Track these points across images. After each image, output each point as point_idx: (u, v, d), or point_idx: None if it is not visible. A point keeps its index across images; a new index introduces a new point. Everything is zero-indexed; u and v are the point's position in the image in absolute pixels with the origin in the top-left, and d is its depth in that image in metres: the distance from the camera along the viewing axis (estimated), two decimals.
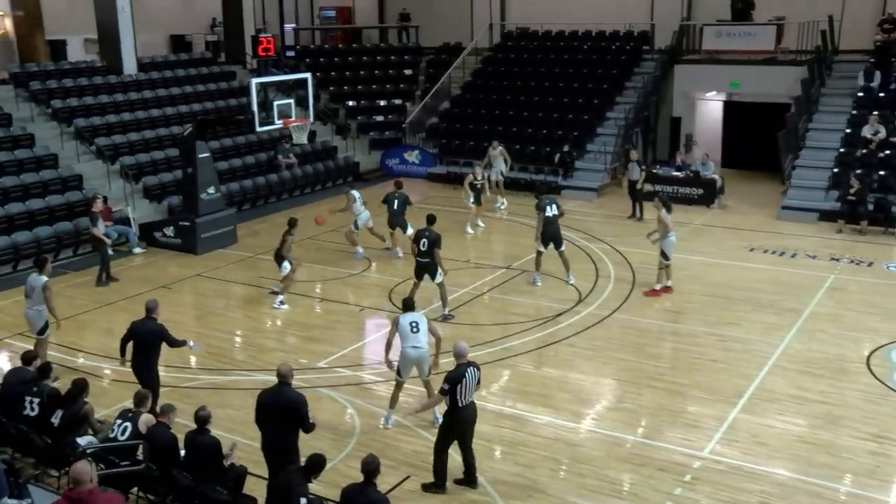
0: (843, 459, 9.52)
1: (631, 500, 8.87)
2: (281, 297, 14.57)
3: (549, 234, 15.18)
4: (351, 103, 28.57)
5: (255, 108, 17.02)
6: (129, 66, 23.51)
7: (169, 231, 18.23)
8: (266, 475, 8.33)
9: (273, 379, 8.53)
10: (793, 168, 21.30)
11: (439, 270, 13.67)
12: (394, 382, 10.42)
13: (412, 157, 26.11)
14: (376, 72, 30.30)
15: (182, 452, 8.18)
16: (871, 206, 18.99)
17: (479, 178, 19.36)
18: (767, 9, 25.06)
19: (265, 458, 8.36)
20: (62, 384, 9.82)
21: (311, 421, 8.27)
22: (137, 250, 18.01)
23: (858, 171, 19.51)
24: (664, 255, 14.79)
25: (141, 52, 24.11)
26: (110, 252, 16.38)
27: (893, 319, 13.55)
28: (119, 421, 8.55)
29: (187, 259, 17.54)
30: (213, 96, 24.72)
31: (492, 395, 11.16)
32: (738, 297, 14.71)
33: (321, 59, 30.49)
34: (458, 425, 8.83)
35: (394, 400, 10.39)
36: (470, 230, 19.26)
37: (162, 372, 10.50)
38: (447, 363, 9.81)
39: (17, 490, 8.06)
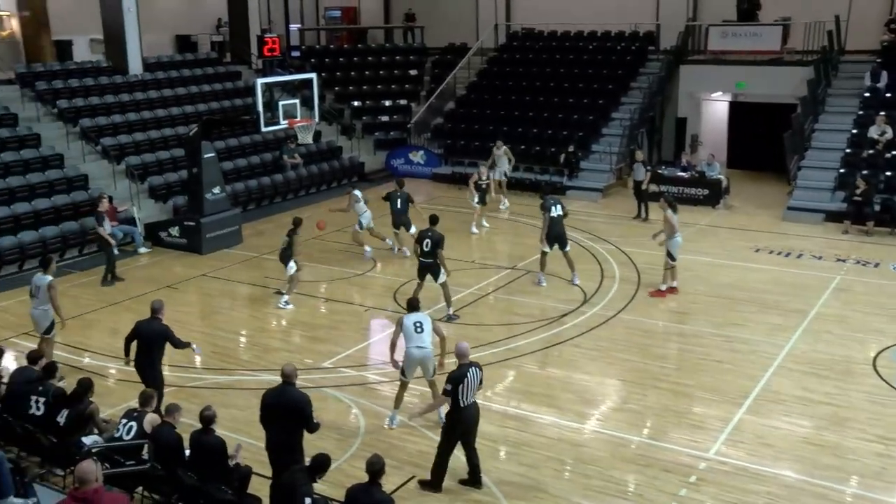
0: (849, 461, 9.49)
1: (636, 501, 8.85)
2: (286, 297, 14.58)
3: (554, 234, 15.18)
4: (356, 103, 28.59)
5: (260, 108, 17.08)
6: (135, 67, 23.55)
7: (174, 231, 18.27)
8: (270, 475, 8.33)
9: (278, 379, 8.53)
10: (799, 169, 21.23)
11: (442, 271, 13.68)
12: (398, 383, 10.43)
13: (417, 157, 26.11)
14: (381, 72, 30.29)
15: (187, 452, 8.18)
16: (877, 207, 18.94)
17: (485, 177, 19.32)
18: (773, 9, 24.97)
19: (269, 457, 8.37)
20: (68, 384, 9.87)
21: (315, 421, 8.28)
22: (143, 250, 18.05)
23: (865, 172, 19.46)
24: (670, 255, 14.77)
25: (146, 52, 24.15)
26: (116, 252, 16.39)
27: None
28: (124, 420, 8.55)
29: (192, 259, 17.57)
30: (219, 96, 24.75)
31: (496, 395, 11.15)
32: (743, 297, 14.68)
33: (326, 60, 30.49)
34: (460, 425, 8.82)
35: (398, 400, 10.39)
36: (475, 230, 19.24)
37: (167, 372, 10.53)
38: (451, 363, 9.79)
39: (22, 489, 8.10)
